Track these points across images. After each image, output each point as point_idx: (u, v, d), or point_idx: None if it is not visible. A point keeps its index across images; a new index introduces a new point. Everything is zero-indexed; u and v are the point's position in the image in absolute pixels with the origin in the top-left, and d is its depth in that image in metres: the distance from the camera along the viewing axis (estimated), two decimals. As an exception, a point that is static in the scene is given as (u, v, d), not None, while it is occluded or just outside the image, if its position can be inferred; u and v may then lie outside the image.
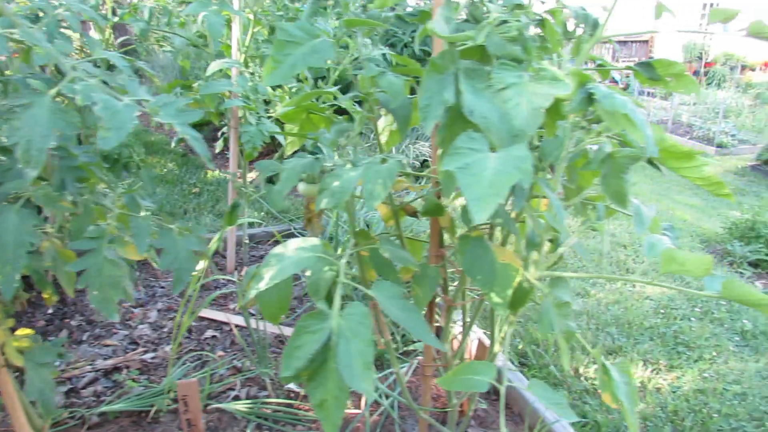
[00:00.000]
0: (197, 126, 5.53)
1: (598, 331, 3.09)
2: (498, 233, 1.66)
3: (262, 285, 1.19)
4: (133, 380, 2.28)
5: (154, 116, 1.01)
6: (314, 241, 1.25)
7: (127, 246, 1.20)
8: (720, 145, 8.01)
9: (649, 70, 1.42)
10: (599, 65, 1.50)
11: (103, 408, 2.10)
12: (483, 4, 1.31)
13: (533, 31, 1.35)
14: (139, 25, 2.51)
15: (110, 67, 1.48)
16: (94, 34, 8.21)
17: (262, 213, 4.25)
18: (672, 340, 3.07)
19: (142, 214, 1.25)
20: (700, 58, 11.40)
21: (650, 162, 1.30)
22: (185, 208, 4.35)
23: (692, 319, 3.32)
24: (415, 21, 1.36)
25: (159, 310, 2.79)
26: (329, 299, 1.17)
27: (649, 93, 10.88)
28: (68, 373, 2.29)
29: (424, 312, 1.73)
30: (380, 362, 2.47)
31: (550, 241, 1.59)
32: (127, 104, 1.00)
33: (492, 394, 2.33)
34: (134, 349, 2.49)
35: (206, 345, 2.56)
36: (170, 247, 1.26)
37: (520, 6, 1.26)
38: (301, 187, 1.38)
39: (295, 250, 1.24)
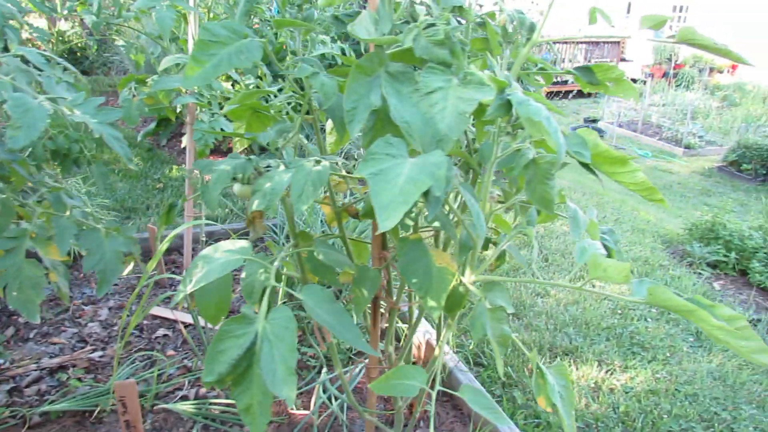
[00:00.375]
0: (163, 121, 5.43)
1: (556, 331, 3.11)
2: (443, 236, 1.65)
3: (189, 288, 1.17)
4: (79, 379, 2.23)
5: (69, 114, 0.98)
6: (243, 243, 1.23)
7: (49, 246, 1.17)
8: (688, 146, 8.13)
9: (588, 75, 1.42)
10: (540, 68, 1.50)
11: (46, 407, 2.05)
12: (424, 5, 1.30)
13: (480, 33, 1.34)
14: (91, 18, 2.45)
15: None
16: (63, 24, 8.06)
17: (226, 210, 4.20)
18: (628, 341, 3.10)
19: (67, 213, 1.21)
20: (670, 60, 11.54)
21: (586, 167, 1.30)
22: (148, 203, 4.28)
23: (649, 319, 3.35)
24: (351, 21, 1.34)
25: (110, 308, 2.73)
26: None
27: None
28: (11, 371, 2.23)
29: (369, 313, 1.72)
30: (332, 363, 2.45)
31: (493, 243, 1.59)
32: (40, 102, 0.97)
33: (442, 396, 2.33)
34: (82, 348, 2.44)
35: (157, 344, 2.52)
36: (96, 248, 1.23)
37: (460, 8, 1.25)
38: (236, 188, 1.36)
39: (224, 252, 1.22)
